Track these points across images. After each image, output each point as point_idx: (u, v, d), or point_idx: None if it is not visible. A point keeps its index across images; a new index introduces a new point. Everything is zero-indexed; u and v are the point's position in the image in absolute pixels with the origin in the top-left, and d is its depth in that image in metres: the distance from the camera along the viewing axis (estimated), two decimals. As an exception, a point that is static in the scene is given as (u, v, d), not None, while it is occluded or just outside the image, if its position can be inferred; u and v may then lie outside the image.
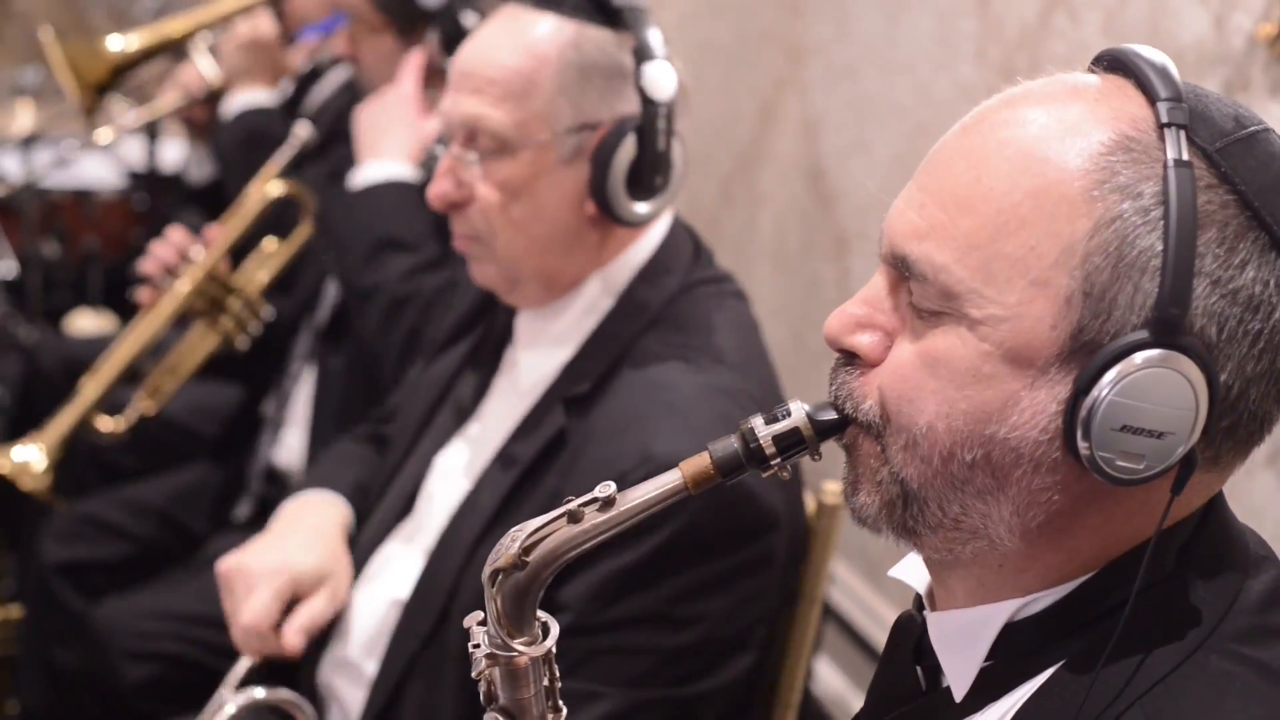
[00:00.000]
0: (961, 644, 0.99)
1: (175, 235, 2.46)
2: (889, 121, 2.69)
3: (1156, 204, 0.89)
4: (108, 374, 2.42)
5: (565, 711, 1.06)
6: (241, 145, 2.89)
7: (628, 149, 1.57)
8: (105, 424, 2.45)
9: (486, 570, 0.99)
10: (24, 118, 3.72)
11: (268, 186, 2.53)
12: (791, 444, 0.98)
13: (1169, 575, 0.94)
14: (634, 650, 1.50)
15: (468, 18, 2.05)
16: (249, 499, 2.66)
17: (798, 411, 0.98)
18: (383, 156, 2.31)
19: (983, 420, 0.91)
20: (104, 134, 3.00)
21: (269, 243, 2.56)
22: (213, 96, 3.07)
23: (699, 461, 0.99)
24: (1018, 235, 0.91)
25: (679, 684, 1.52)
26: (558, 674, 1.04)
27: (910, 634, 1.04)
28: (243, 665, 1.68)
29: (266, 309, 2.52)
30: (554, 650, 1.02)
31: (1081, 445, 0.89)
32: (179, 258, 2.44)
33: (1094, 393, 0.88)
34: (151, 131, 3.57)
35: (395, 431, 1.91)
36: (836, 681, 2.92)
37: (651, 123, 1.57)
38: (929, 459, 0.93)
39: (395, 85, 2.38)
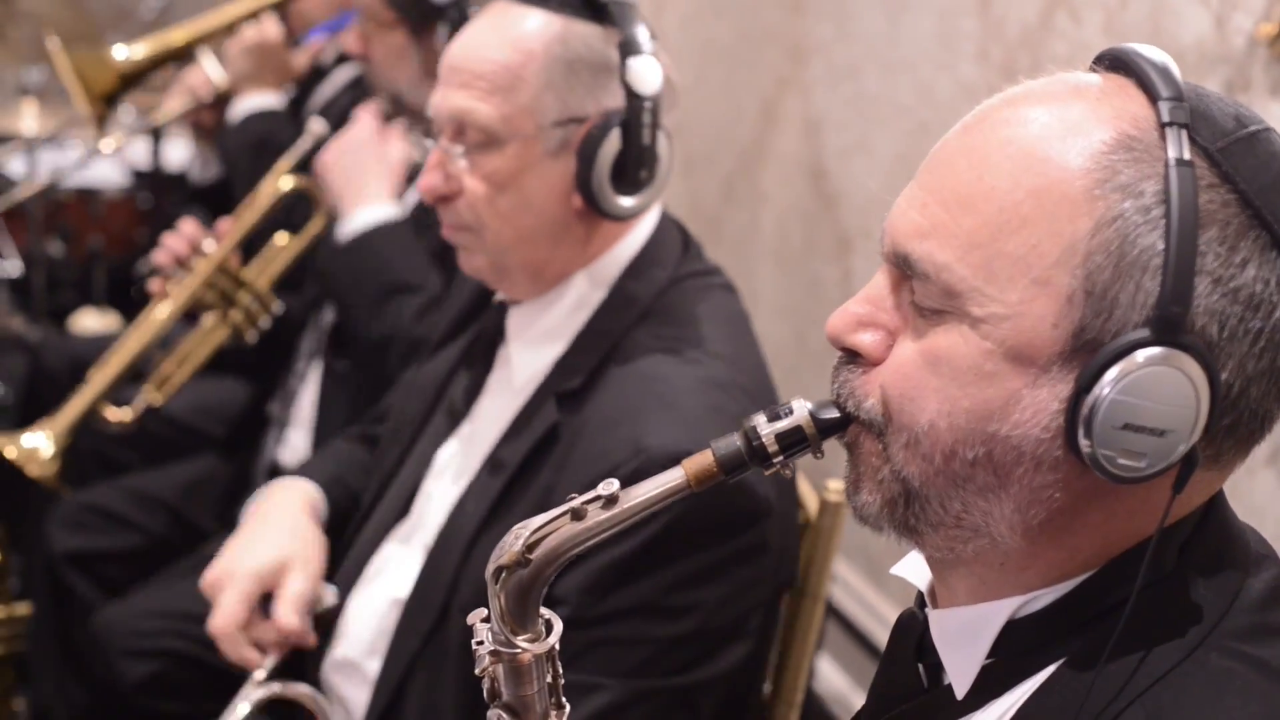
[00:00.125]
0: (963, 641, 0.99)
1: (187, 227, 2.47)
2: (890, 121, 2.69)
3: (1158, 203, 0.89)
4: (117, 364, 2.42)
5: (568, 708, 1.06)
6: (248, 150, 2.89)
7: (613, 143, 1.59)
8: (113, 414, 2.45)
9: (490, 568, 1.00)
10: (29, 117, 3.73)
11: (280, 181, 2.53)
12: (794, 442, 0.98)
13: (1170, 573, 0.94)
14: (631, 641, 1.51)
15: (478, 13, 2.06)
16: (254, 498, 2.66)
17: (800, 410, 0.98)
18: (366, 201, 2.34)
19: (985, 418, 0.92)
20: (109, 142, 3.00)
21: (280, 237, 2.56)
22: (220, 100, 3.07)
23: (702, 459, 0.99)
24: (1019, 234, 0.91)
25: (676, 673, 1.53)
26: (560, 671, 1.05)
27: (912, 632, 1.04)
28: (269, 662, 1.69)
29: (276, 303, 2.52)
30: (557, 647, 1.03)
31: (1083, 443, 0.89)
32: (191, 250, 2.44)
33: (1096, 391, 0.88)
34: (156, 131, 3.58)
35: (390, 431, 1.91)
36: (839, 679, 2.92)
37: (636, 117, 1.58)
38: (931, 457, 0.94)
39: (353, 129, 2.39)
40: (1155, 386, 0.88)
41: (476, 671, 1.03)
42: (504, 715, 1.03)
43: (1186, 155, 0.89)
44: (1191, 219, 0.88)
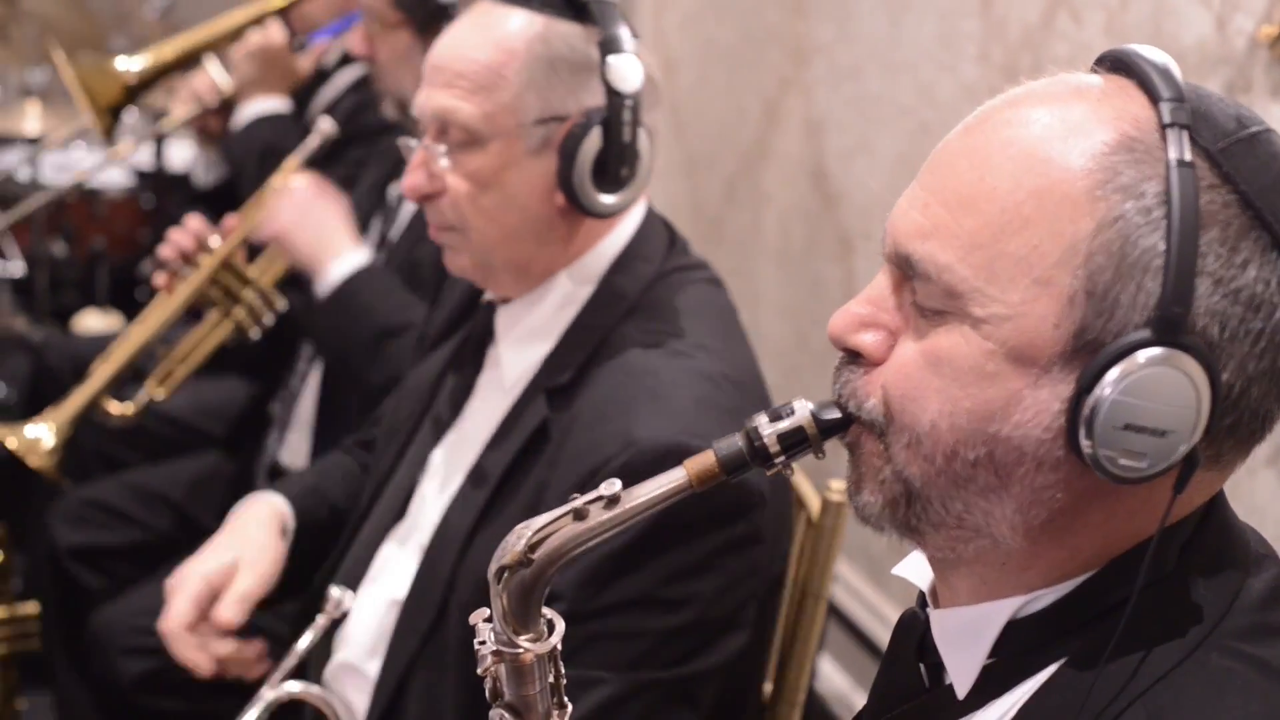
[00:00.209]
0: (964, 641, 0.99)
1: (193, 223, 2.47)
2: (892, 122, 2.69)
3: (1159, 204, 0.89)
4: (120, 357, 2.42)
5: (570, 708, 1.07)
6: (254, 155, 2.89)
7: (594, 141, 1.60)
8: (115, 408, 2.45)
9: (492, 567, 1.00)
10: (33, 118, 3.74)
11: (288, 179, 2.54)
12: (795, 442, 0.98)
13: (1170, 573, 0.94)
14: (629, 634, 1.52)
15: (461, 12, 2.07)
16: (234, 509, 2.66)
17: (801, 410, 0.98)
18: (336, 253, 2.35)
19: (986, 419, 0.92)
20: (123, 149, 3.00)
21: None
22: (226, 105, 3.08)
23: (704, 459, 0.99)
24: (1021, 234, 0.91)
25: (675, 665, 1.54)
26: (563, 670, 1.05)
27: (913, 631, 1.05)
28: (289, 663, 1.70)
29: (280, 301, 2.52)
30: (559, 647, 1.03)
31: (1084, 443, 0.89)
32: (196, 245, 2.45)
33: (1097, 391, 0.88)
34: (159, 132, 3.58)
35: (384, 433, 1.93)
36: (840, 679, 2.93)
37: (617, 115, 1.59)
38: (932, 457, 0.94)
39: (296, 193, 2.40)
40: (1156, 387, 0.88)
41: (479, 671, 1.03)
42: (506, 715, 1.03)
43: (1187, 156, 0.89)
44: (1192, 220, 0.88)
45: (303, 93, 3.16)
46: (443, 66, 1.65)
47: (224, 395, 3.00)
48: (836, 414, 0.99)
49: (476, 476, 1.67)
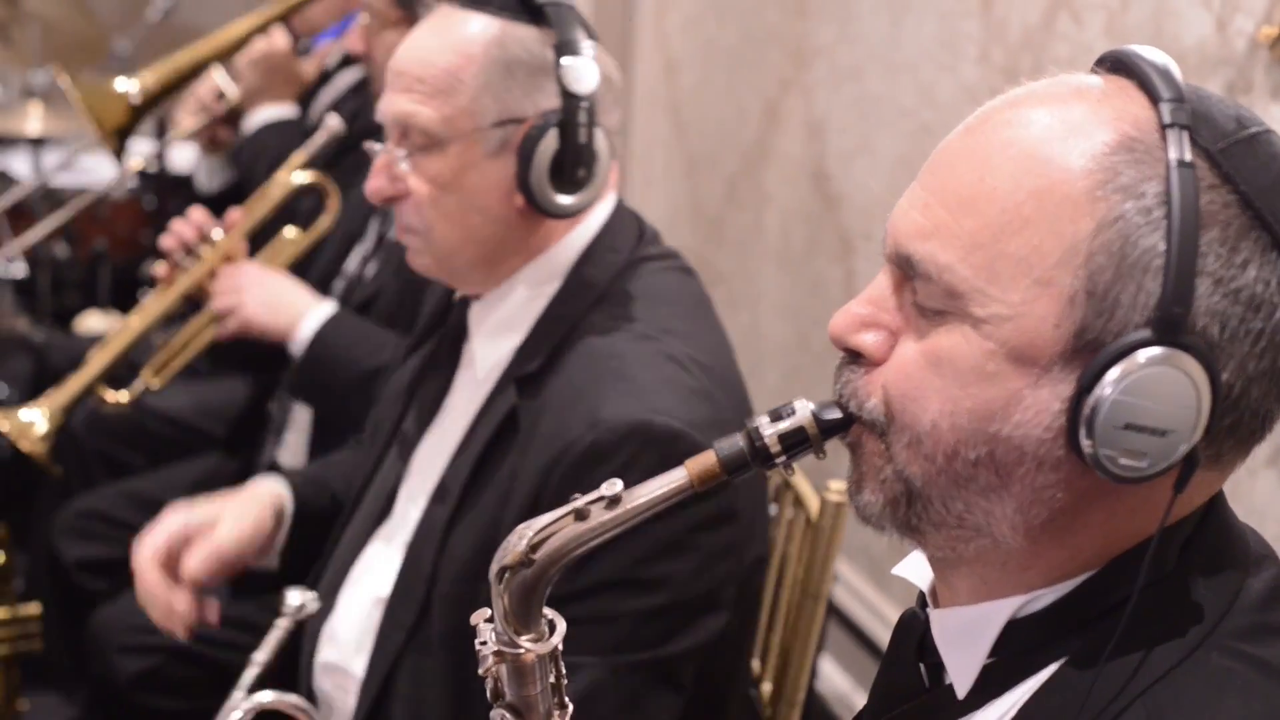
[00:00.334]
0: (964, 641, 0.99)
1: (197, 215, 2.47)
2: (893, 123, 2.69)
3: (1159, 204, 0.89)
4: (117, 345, 2.41)
5: (571, 708, 1.07)
6: (265, 162, 2.89)
7: (550, 142, 1.62)
8: (111, 396, 2.44)
9: (494, 568, 1.00)
10: (35, 119, 3.74)
11: (293, 175, 2.54)
12: (796, 442, 0.98)
13: (1170, 573, 0.95)
14: (607, 617, 1.53)
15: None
16: None
17: (802, 410, 0.98)
18: (301, 313, 2.36)
19: (987, 418, 0.92)
20: (139, 161, 3.00)
21: (289, 230, 2.56)
22: (233, 114, 3.08)
23: (705, 460, 0.99)
24: (1021, 235, 0.91)
25: (654, 646, 1.55)
26: (564, 670, 1.05)
27: (913, 631, 1.05)
28: (250, 673, 1.70)
29: None
30: (560, 647, 1.03)
31: (1085, 443, 0.89)
32: (199, 237, 2.45)
33: (1097, 391, 0.89)
34: (161, 133, 3.58)
35: (368, 436, 1.95)
36: (840, 679, 2.93)
37: (572, 116, 1.62)
38: (933, 457, 0.94)
39: (241, 274, 2.40)
40: (1156, 387, 0.88)
41: (480, 671, 1.04)
42: (507, 715, 1.04)
43: (1188, 157, 0.89)
44: (1193, 220, 0.88)
45: (305, 93, 3.16)
46: (403, 71, 1.67)
47: (224, 395, 3.00)
48: (837, 414, 0.99)
49: (452, 468, 1.70)
